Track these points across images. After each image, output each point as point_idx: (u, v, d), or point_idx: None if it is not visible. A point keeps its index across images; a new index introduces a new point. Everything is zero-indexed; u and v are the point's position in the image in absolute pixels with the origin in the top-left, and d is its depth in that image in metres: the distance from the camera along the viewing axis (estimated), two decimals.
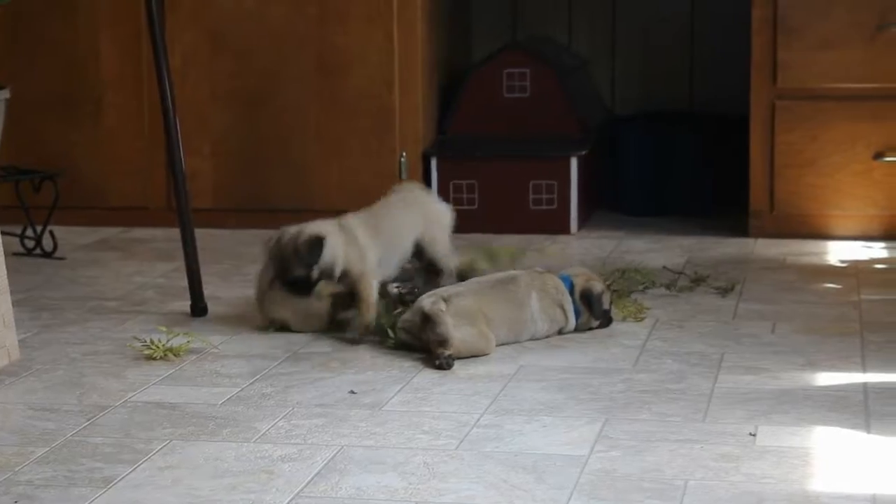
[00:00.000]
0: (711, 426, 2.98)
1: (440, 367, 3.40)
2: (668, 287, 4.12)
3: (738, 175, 5.03)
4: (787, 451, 2.82)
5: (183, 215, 3.93)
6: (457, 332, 3.47)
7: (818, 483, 2.67)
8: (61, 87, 5.16)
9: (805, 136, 4.85)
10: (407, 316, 3.57)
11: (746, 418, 3.03)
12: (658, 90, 5.63)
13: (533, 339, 3.66)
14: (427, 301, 3.51)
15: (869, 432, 2.95)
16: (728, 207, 5.16)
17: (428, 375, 3.36)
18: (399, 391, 3.25)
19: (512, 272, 3.74)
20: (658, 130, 5.29)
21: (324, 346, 3.63)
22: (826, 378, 3.32)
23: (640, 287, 4.10)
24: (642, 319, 3.81)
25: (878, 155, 4.81)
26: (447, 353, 3.42)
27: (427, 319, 3.47)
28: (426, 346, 3.48)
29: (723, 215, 5.14)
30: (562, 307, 3.69)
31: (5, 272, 3.35)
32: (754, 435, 2.92)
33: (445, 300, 3.51)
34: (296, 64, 5.04)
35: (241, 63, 5.07)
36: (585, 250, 4.76)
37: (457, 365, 3.42)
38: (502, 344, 3.58)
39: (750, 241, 4.86)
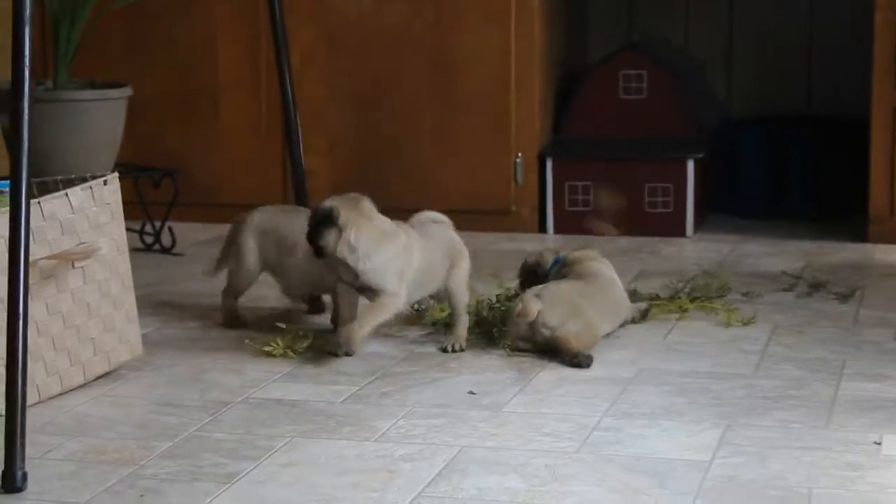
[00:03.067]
0: (835, 434, 2.95)
1: (578, 366, 3.39)
2: (745, 294, 4.06)
3: (857, 179, 4.97)
4: None
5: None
6: (570, 326, 3.46)
7: None
8: (180, 85, 5.21)
9: None
10: (519, 330, 3.51)
11: (870, 426, 2.99)
12: (775, 92, 5.57)
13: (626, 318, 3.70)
14: (549, 321, 3.46)
15: None
16: (846, 212, 5.09)
17: (546, 377, 3.36)
18: (518, 392, 3.24)
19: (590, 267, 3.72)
20: (775, 133, 5.24)
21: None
22: None
23: (716, 293, 4.04)
24: (748, 323, 3.76)
25: None
26: (586, 352, 3.41)
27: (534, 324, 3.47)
28: (542, 349, 3.48)
29: (841, 220, 5.08)
30: None
31: (129, 267, 3.39)
32: (879, 444, 2.88)
33: (538, 296, 3.49)
34: (412, 64, 5.05)
35: (358, 63, 5.09)
36: (701, 254, 4.72)
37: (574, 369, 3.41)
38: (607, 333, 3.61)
39: (869, 246, 4.80)
